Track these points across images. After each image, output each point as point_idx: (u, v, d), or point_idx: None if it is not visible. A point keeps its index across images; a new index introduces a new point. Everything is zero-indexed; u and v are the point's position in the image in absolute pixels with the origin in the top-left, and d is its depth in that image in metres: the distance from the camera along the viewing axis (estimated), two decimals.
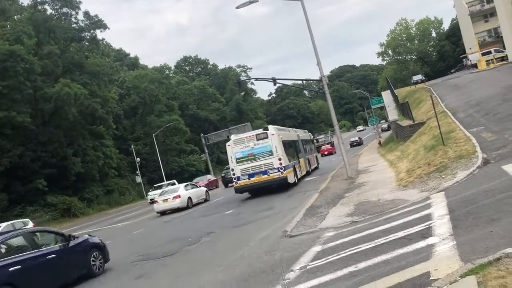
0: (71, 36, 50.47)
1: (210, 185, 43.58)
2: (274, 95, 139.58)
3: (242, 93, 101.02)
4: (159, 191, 33.72)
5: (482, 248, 6.11)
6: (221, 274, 8.73)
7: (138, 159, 55.40)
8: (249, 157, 22.40)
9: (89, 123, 50.15)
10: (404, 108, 34.75)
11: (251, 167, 22.28)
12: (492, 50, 49.75)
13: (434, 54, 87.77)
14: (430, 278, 5.56)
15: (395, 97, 42.41)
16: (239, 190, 23.13)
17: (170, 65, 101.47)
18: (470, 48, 56.19)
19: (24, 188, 40.21)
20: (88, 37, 53.70)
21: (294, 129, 33.90)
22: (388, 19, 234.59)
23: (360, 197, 14.59)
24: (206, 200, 28.28)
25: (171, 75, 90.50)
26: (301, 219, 12.99)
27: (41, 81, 43.49)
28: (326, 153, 58.05)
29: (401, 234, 8.22)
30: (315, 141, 48.10)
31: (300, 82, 31.60)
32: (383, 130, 61.88)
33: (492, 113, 19.14)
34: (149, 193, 41.94)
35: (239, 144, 22.74)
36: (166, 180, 54.68)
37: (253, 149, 22.38)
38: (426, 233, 7.77)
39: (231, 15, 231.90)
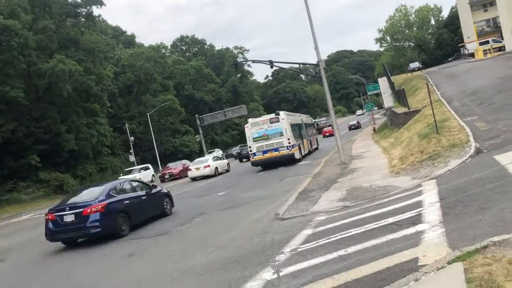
0: (67, 11, 49.63)
1: (183, 173, 38.05)
2: (270, 78, 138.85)
3: (239, 75, 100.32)
4: (130, 176, 36.96)
5: (470, 236, 6.20)
6: (212, 254, 8.80)
7: (132, 138, 55.20)
8: (263, 137, 27.08)
9: (83, 100, 49.69)
10: (399, 95, 34.75)
11: (265, 145, 27.01)
12: (490, 39, 49.61)
13: (432, 42, 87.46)
14: (418, 264, 5.65)
15: (391, 84, 42.37)
16: (254, 164, 28.03)
17: (167, 44, 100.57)
18: (468, 37, 56.00)
19: (16, 163, 40.01)
20: (84, 13, 52.89)
21: (299, 114, 38.13)
22: (388, 4, 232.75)
23: (353, 182, 14.69)
24: (227, 171, 33.47)
25: (167, 54, 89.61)
26: (294, 203, 13.08)
27: (35, 56, 42.92)
28: (327, 134, 60.10)
29: (391, 220, 8.31)
30: (315, 124, 52.81)
31: (297, 66, 31.60)
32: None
33: (487, 103, 19.20)
34: (119, 178, 41.90)
35: (255, 126, 27.58)
36: (160, 159, 54.73)
37: (267, 131, 27.16)
38: (416, 220, 7.86)
39: None
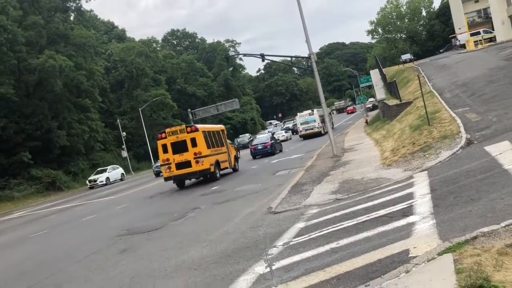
0: (56, 6, 49.19)
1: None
2: (262, 71, 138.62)
3: (230, 69, 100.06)
4: (99, 175, 42.31)
5: (460, 227, 6.26)
6: (206, 249, 8.81)
7: (124, 133, 55.00)
8: (306, 122, 47.11)
9: (74, 95, 49.42)
10: (391, 87, 34.85)
11: (306, 126, 46.89)
12: (481, 30, 49.84)
13: (424, 34, 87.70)
14: (409, 255, 5.70)
15: (383, 76, 42.47)
16: (302, 137, 47.49)
17: (158, 38, 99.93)
18: (460, 28, 56.15)
19: (7, 160, 39.76)
20: (73, 7, 52.44)
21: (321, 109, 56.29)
22: None
23: (345, 175, 14.75)
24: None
25: (158, 48, 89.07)
26: (286, 196, 13.12)
27: (25, 52, 42.52)
28: (350, 112, 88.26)
29: (383, 212, 8.36)
30: (333, 112, 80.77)
31: (289, 59, 31.58)
32: (369, 110, 64.63)
33: (477, 94, 19.31)
34: (90, 178, 42.22)
35: (302, 116, 48.01)
36: (152, 155, 54.62)
37: (307, 118, 47.03)
38: (407, 212, 7.92)
39: None
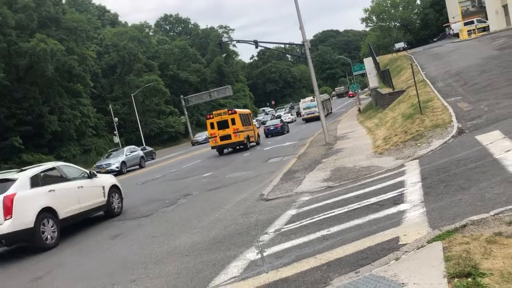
0: None
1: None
2: (256, 58, 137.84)
3: (224, 55, 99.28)
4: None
5: (450, 215, 6.31)
6: (197, 235, 8.83)
7: (116, 119, 54.57)
8: (308, 107, 53.53)
9: (66, 80, 48.84)
10: (384, 76, 34.88)
11: (308, 111, 53.30)
12: (474, 20, 49.88)
13: (418, 22, 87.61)
14: (399, 243, 5.75)
15: (376, 64, 42.46)
16: (304, 120, 54.23)
17: (150, 23, 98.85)
18: (454, 17, 56.20)
19: None
20: None
21: (326, 95, 66.49)
22: None
23: (337, 163, 14.81)
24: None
25: (151, 33, 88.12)
26: (278, 183, 13.16)
27: (15, 35, 41.86)
28: (350, 96, 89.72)
29: (374, 200, 8.41)
30: (332, 97, 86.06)
31: (282, 46, 31.51)
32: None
33: (470, 83, 19.38)
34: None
35: (304, 102, 55.05)
36: (145, 141, 54.37)
37: (309, 104, 53.09)
38: (398, 200, 7.97)
39: None
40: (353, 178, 11.55)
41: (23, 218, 9.48)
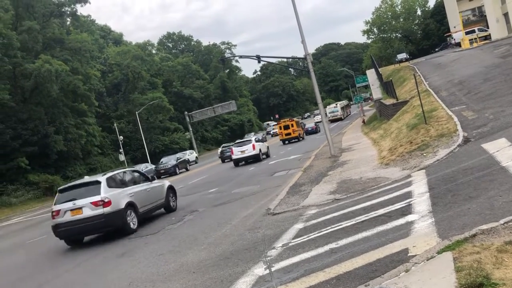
0: (51, 10, 49.07)
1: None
2: (259, 72, 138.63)
3: (227, 71, 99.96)
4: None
5: (459, 225, 6.24)
6: (204, 252, 8.77)
7: (121, 137, 54.82)
8: (332, 112, 70.65)
9: (71, 100, 49.27)
10: (388, 87, 34.88)
11: (333, 114, 70.44)
12: (475, 29, 49.96)
13: (419, 33, 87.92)
14: (408, 255, 5.68)
15: (379, 76, 42.53)
16: (330, 121, 64.06)
17: (153, 41, 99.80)
18: (455, 27, 56.30)
19: (4, 166, 39.56)
20: (68, 12, 52.33)
21: (345, 101, 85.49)
22: None
23: (343, 175, 14.73)
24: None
25: (154, 52, 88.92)
26: (285, 197, 13.09)
27: (20, 57, 42.39)
28: (369, 100, 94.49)
29: (381, 211, 8.34)
30: (350, 104, 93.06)
31: (285, 60, 31.66)
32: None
33: (473, 92, 19.34)
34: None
35: (330, 108, 71.85)
36: (150, 158, 54.43)
37: (333, 109, 72.28)
38: (406, 211, 7.90)
39: None
40: (359, 190, 11.48)
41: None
